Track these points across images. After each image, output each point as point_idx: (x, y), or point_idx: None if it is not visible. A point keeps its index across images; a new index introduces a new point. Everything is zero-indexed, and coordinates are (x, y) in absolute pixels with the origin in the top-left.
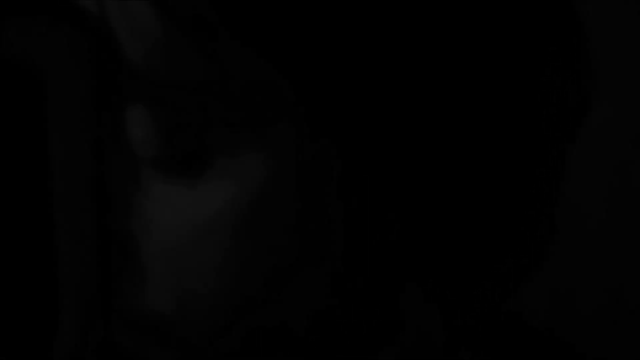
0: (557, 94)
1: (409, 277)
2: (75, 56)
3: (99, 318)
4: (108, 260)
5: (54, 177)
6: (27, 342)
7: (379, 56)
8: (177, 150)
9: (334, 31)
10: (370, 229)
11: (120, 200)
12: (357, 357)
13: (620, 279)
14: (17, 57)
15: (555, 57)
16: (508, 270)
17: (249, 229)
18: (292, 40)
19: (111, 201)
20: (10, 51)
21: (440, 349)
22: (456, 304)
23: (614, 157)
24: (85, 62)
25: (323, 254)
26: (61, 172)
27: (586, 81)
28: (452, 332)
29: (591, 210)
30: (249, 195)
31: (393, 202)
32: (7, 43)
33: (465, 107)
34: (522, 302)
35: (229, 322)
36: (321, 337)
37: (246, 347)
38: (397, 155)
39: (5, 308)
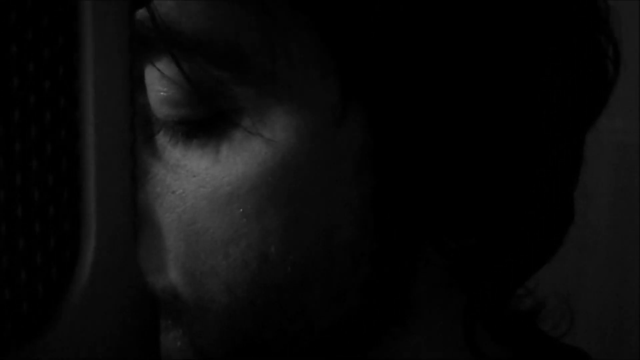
0: (577, 77)
1: (434, 249)
2: None
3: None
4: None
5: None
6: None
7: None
8: (203, 110)
9: None
10: (398, 204)
11: (138, 172)
12: (360, 337)
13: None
14: None
15: (579, 38)
16: (529, 250)
17: (275, 196)
18: None
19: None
20: None
21: (456, 337)
22: (480, 285)
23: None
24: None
25: (350, 229)
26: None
27: (607, 62)
28: (472, 318)
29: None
30: (276, 158)
31: (421, 178)
32: None
33: (488, 85)
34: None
35: (247, 303)
36: (333, 318)
37: (262, 332)
38: (427, 130)
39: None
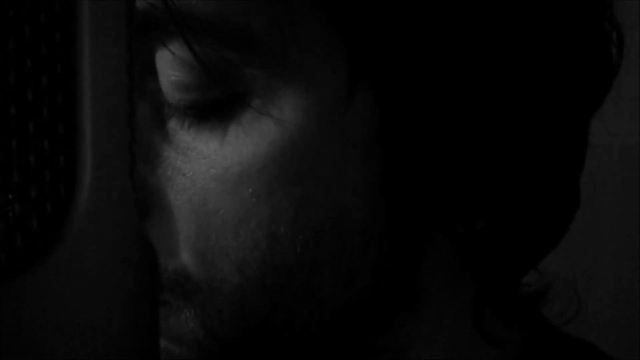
0: (581, 62)
1: (443, 232)
2: None
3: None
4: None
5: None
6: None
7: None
8: (213, 93)
9: None
10: (407, 186)
11: (145, 152)
12: (369, 321)
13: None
14: None
15: (582, 24)
16: (537, 234)
17: (284, 176)
18: None
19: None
20: None
21: (465, 321)
22: (489, 269)
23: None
24: None
25: (359, 211)
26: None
27: (610, 49)
28: (481, 302)
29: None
30: (285, 138)
31: (429, 160)
32: None
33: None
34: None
35: (258, 284)
36: (343, 300)
37: (273, 313)
38: (435, 112)
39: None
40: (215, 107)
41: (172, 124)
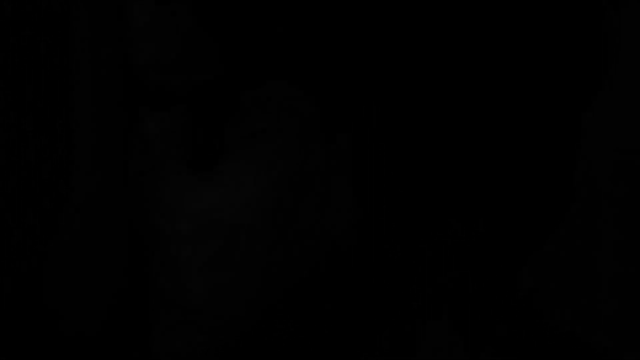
0: (573, 57)
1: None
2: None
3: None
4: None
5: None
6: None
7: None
8: (201, 146)
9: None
10: (394, 209)
11: (143, 195)
12: (369, 321)
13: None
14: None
15: (570, 22)
16: (529, 231)
17: (273, 213)
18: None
19: (135, 196)
20: None
21: (464, 322)
22: (485, 265)
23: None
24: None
25: (348, 235)
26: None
27: (602, 46)
28: (479, 301)
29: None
30: (271, 180)
31: (407, 197)
32: None
33: (482, 68)
34: (542, 300)
35: (252, 306)
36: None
37: (276, 338)
38: (409, 148)
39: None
40: (203, 159)
41: (167, 168)
